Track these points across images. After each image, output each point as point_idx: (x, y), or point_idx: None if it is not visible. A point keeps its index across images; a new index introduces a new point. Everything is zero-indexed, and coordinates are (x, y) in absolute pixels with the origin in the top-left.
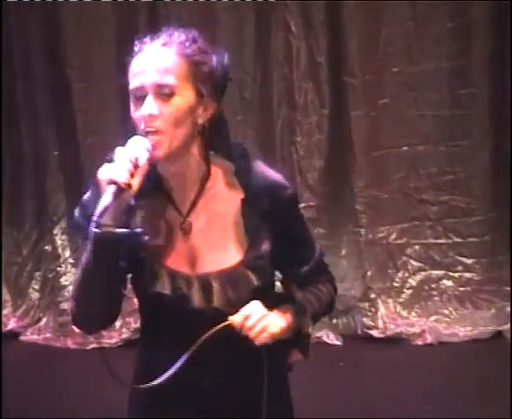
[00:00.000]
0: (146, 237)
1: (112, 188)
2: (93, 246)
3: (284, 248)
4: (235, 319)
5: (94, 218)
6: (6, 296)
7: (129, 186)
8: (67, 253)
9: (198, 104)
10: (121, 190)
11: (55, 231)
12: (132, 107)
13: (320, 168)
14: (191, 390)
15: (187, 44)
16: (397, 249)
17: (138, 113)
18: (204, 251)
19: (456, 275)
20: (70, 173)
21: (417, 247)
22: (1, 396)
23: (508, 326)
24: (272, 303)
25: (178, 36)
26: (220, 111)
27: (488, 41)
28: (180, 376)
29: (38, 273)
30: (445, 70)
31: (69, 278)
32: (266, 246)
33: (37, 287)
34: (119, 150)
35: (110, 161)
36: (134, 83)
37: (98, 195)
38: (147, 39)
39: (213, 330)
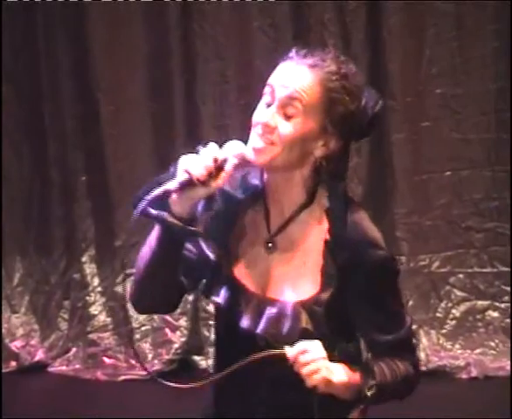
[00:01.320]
0: (201, 237)
1: (181, 177)
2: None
3: (363, 309)
4: (289, 351)
5: (147, 195)
6: (34, 326)
7: (202, 183)
8: (96, 282)
9: (319, 137)
10: (190, 183)
11: (84, 259)
12: (259, 106)
13: (359, 194)
14: None
15: (333, 77)
16: (439, 278)
17: (258, 115)
18: (280, 278)
19: (502, 305)
20: (98, 199)
21: (461, 276)
22: None
23: None
24: (342, 355)
25: (329, 65)
26: (344, 153)
27: None
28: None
29: (66, 302)
30: (491, 91)
31: (98, 308)
32: (325, 294)
33: (66, 317)
34: (210, 146)
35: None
36: (269, 83)
37: (171, 178)
38: (303, 52)
39: (263, 354)
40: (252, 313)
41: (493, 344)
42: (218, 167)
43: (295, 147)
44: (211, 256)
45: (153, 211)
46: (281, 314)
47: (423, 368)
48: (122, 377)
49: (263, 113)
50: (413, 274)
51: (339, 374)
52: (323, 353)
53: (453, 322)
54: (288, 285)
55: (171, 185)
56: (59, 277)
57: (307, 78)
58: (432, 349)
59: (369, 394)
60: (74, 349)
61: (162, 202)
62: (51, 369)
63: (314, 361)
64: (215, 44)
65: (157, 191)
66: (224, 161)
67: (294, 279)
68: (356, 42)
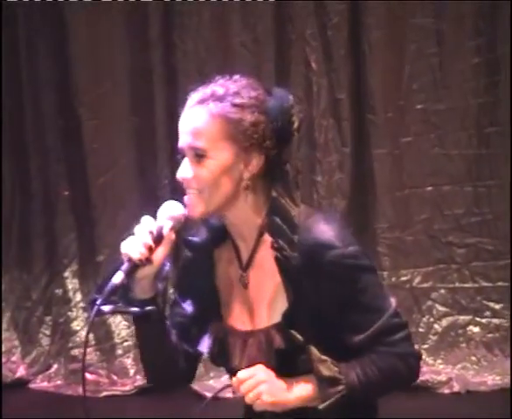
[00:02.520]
0: (154, 311)
1: (125, 267)
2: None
3: (334, 312)
4: (233, 382)
5: (97, 296)
6: (15, 342)
7: (148, 261)
8: (78, 297)
9: (237, 161)
10: (136, 267)
11: (66, 274)
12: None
13: (342, 209)
14: None
15: (223, 100)
16: (421, 293)
17: (178, 172)
18: (258, 307)
19: (484, 321)
20: (81, 214)
21: (442, 291)
22: None
23: None
24: (299, 370)
25: (214, 92)
26: (276, 163)
27: None
28: None
29: (48, 318)
30: (471, 107)
31: (80, 323)
32: (286, 308)
33: (47, 332)
34: (143, 220)
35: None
36: (179, 142)
37: (117, 268)
38: (193, 93)
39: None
40: (239, 351)
41: (474, 359)
42: (158, 237)
43: (220, 183)
44: (189, 310)
45: (106, 308)
46: (258, 343)
47: None
48: (104, 393)
49: (180, 169)
50: (395, 289)
51: (285, 392)
52: (264, 376)
53: (435, 337)
54: (266, 312)
55: (117, 278)
56: (41, 292)
57: (200, 117)
58: None
59: (328, 403)
60: (56, 365)
61: (127, 290)
62: (32, 386)
63: (254, 387)
64: (196, 58)
65: (107, 289)
66: (161, 228)
67: (270, 305)
68: (338, 57)
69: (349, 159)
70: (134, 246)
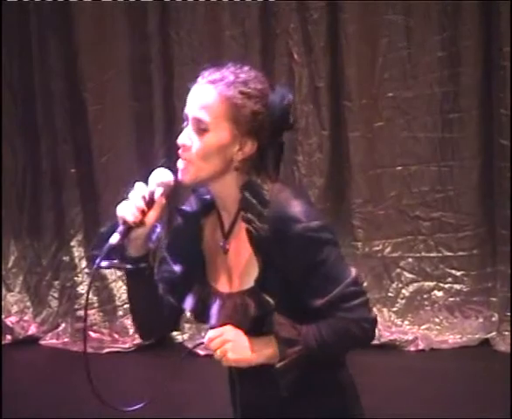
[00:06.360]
0: (146, 267)
1: (121, 228)
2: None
3: (298, 279)
4: (205, 340)
5: (97, 253)
6: (27, 303)
7: (141, 223)
8: (83, 264)
9: (233, 142)
10: (130, 228)
11: (72, 243)
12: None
13: (320, 186)
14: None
15: (232, 85)
16: (391, 261)
17: (179, 138)
18: (235, 272)
19: (446, 286)
20: (86, 189)
21: (410, 260)
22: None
23: (495, 333)
24: (266, 330)
25: (227, 76)
26: (267, 150)
27: (477, 68)
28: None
29: (56, 282)
30: (436, 95)
31: (85, 288)
32: (257, 275)
33: (56, 295)
34: (136, 186)
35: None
36: (185, 110)
37: (113, 229)
38: (206, 73)
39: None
40: (217, 311)
41: (437, 320)
42: (149, 201)
43: (212, 158)
44: (177, 269)
45: (104, 264)
46: (234, 305)
47: (376, 342)
48: (106, 349)
49: (181, 136)
50: (367, 258)
51: (248, 351)
52: (230, 335)
53: (403, 301)
54: (240, 277)
55: (114, 239)
56: (50, 259)
57: (209, 95)
58: (384, 325)
59: (285, 362)
60: (63, 324)
61: (121, 249)
62: (42, 342)
63: (221, 346)
64: (191, 49)
65: (105, 248)
66: (153, 193)
67: (244, 271)
68: (318, 49)
69: (327, 141)
70: (128, 210)
